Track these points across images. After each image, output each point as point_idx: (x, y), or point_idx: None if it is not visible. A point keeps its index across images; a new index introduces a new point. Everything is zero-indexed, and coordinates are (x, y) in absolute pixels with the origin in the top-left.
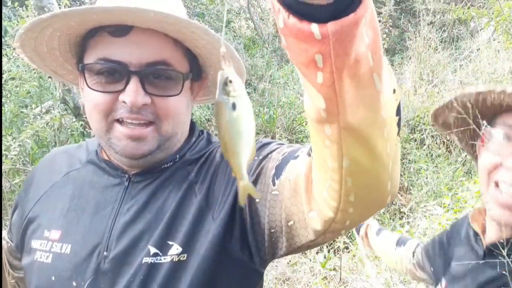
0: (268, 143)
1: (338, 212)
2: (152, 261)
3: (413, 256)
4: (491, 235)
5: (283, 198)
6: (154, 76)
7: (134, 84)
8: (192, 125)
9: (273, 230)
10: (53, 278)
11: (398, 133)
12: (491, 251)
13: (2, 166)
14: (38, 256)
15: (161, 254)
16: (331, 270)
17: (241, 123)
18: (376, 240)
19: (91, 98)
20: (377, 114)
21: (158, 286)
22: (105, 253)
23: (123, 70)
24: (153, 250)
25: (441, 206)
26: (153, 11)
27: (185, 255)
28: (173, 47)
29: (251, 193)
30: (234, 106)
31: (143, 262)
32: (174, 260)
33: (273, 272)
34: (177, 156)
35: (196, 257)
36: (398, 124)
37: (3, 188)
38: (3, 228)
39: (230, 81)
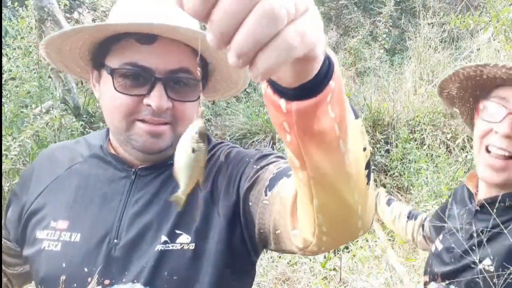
0: (268, 155)
1: (315, 237)
2: (163, 248)
3: (423, 229)
4: (482, 194)
5: (272, 209)
6: (175, 82)
7: (159, 90)
8: None
9: (262, 231)
10: (63, 264)
11: (368, 183)
12: (482, 208)
13: (2, 166)
14: (46, 245)
15: (170, 242)
16: (331, 270)
17: (194, 163)
18: (387, 210)
19: (115, 98)
20: (342, 170)
21: (168, 272)
22: (115, 240)
23: (148, 76)
24: (163, 238)
25: None
26: (184, 28)
27: (194, 244)
28: (191, 55)
29: (179, 202)
30: (193, 150)
31: (154, 249)
32: (184, 248)
33: (273, 272)
34: None
35: (204, 248)
36: (368, 176)
37: (3, 188)
38: (3, 228)
39: (197, 133)
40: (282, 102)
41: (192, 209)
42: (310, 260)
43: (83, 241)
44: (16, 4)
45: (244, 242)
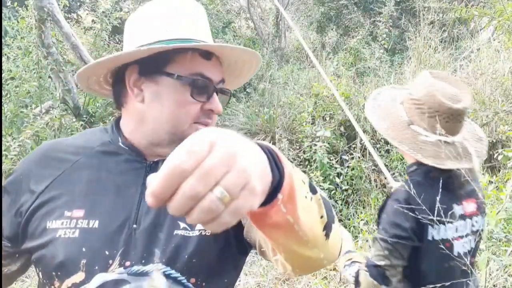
0: None
1: (290, 268)
2: (183, 233)
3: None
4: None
5: (258, 232)
6: (221, 92)
7: (216, 97)
8: None
9: (248, 239)
10: (83, 249)
11: (327, 238)
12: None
13: (2, 166)
14: (62, 233)
15: (189, 229)
16: (331, 270)
17: None
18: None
19: (185, 103)
20: (298, 240)
21: (188, 255)
22: (134, 226)
23: (210, 85)
24: (182, 225)
25: None
26: (231, 47)
27: (210, 231)
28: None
29: None
30: None
31: (174, 234)
32: (202, 234)
33: (273, 272)
34: None
35: (217, 235)
36: (326, 234)
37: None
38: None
39: None
40: None
41: None
42: None
43: (102, 226)
44: (16, 4)
45: (240, 233)
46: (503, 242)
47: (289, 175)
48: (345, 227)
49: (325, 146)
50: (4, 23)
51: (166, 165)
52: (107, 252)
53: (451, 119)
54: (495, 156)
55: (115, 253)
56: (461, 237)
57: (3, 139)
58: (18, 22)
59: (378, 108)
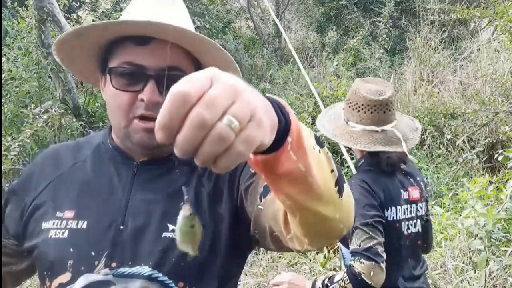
0: None
1: (307, 238)
2: (171, 235)
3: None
4: None
5: (267, 214)
6: (168, 80)
7: (151, 85)
8: None
9: (257, 231)
10: (71, 249)
11: (341, 196)
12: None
13: (2, 166)
14: (53, 233)
15: None
16: (331, 270)
17: (192, 230)
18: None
19: (114, 96)
20: (313, 195)
21: (176, 257)
22: (121, 227)
23: (142, 73)
24: (171, 227)
25: (441, 206)
26: (174, 27)
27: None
28: (184, 56)
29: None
30: (192, 226)
31: (162, 236)
32: None
33: (273, 272)
34: None
35: (210, 239)
36: (339, 191)
37: (3, 188)
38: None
39: (191, 214)
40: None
41: (196, 200)
42: (310, 260)
43: (90, 227)
44: (16, 4)
45: (239, 234)
46: (503, 242)
47: (296, 121)
48: None
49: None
50: (4, 23)
51: (168, 95)
52: (93, 253)
53: (376, 110)
54: (495, 157)
55: (101, 254)
56: (407, 219)
57: (3, 139)
58: (18, 22)
59: (327, 116)
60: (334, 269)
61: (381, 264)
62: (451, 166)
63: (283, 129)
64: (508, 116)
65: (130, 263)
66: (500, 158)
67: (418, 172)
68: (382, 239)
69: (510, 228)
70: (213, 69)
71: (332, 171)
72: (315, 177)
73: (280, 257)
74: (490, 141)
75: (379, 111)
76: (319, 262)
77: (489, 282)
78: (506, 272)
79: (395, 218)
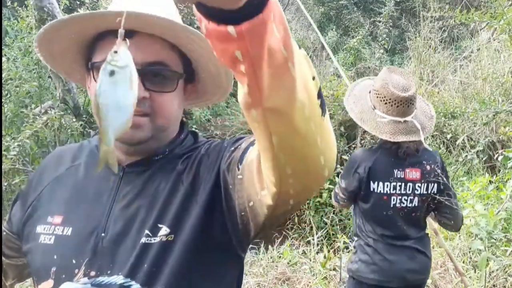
0: (242, 137)
1: (281, 183)
2: (144, 241)
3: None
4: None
5: (245, 180)
6: (153, 75)
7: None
8: (183, 124)
9: (243, 213)
10: (55, 256)
11: (323, 114)
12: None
13: (2, 166)
14: (42, 239)
15: (151, 235)
16: (331, 270)
17: (115, 90)
18: None
19: (94, 91)
20: (294, 96)
21: (148, 263)
22: (102, 234)
23: None
24: (146, 231)
25: None
26: (156, 16)
27: (172, 235)
28: (170, 50)
29: (110, 161)
30: (112, 73)
31: (138, 242)
32: (163, 240)
33: (273, 272)
34: (167, 150)
35: (182, 237)
36: (321, 106)
37: (2, 188)
38: (7, 220)
39: (115, 52)
40: (230, 28)
41: (173, 202)
42: (310, 260)
43: (74, 234)
44: (16, 4)
45: (225, 232)
46: (503, 242)
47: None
48: (345, 227)
49: None
50: (4, 23)
51: None
52: (74, 261)
53: (401, 104)
54: (495, 157)
55: (81, 262)
56: (400, 194)
57: (3, 139)
58: (18, 22)
59: (353, 96)
60: (334, 269)
61: (341, 202)
62: (451, 166)
63: None
64: (508, 115)
65: (109, 271)
66: (500, 159)
67: (432, 157)
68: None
69: (510, 228)
70: None
71: (313, 78)
72: (297, 73)
73: (280, 257)
74: (490, 141)
75: (403, 105)
76: (319, 262)
77: (489, 282)
78: (506, 272)
79: (382, 192)
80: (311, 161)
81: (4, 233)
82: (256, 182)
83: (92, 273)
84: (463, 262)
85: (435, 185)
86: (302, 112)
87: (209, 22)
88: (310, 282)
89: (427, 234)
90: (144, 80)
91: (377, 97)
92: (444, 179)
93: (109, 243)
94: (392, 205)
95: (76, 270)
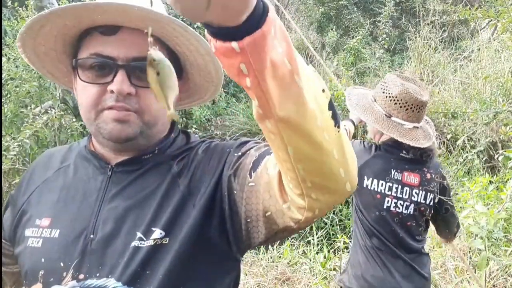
0: (246, 142)
1: (305, 198)
2: (136, 244)
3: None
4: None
5: (259, 189)
6: (139, 70)
7: (120, 76)
8: (173, 123)
9: (249, 220)
10: (42, 260)
11: (337, 125)
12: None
13: (2, 166)
14: (30, 242)
15: (145, 238)
16: (331, 270)
17: (164, 82)
18: None
19: (83, 90)
20: (304, 106)
21: (140, 266)
22: (91, 236)
23: (111, 64)
24: (138, 235)
25: None
26: (137, 7)
27: (167, 238)
28: (157, 45)
29: (174, 118)
30: (158, 74)
31: (130, 245)
32: (157, 243)
33: (273, 272)
34: (156, 148)
35: (176, 240)
36: (334, 117)
37: (2, 188)
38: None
39: (154, 60)
40: (234, 43)
41: (168, 204)
42: (310, 260)
43: (62, 236)
44: (16, 4)
45: (223, 236)
46: (503, 242)
47: (275, 13)
48: (345, 227)
49: None
50: (4, 23)
51: None
52: (62, 264)
53: (419, 109)
54: (495, 157)
55: (70, 265)
56: (396, 197)
57: (3, 139)
58: (18, 22)
59: (356, 106)
60: (334, 269)
61: None
62: (451, 166)
63: (262, 8)
64: (508, 116)
65: (98, 274)
66: (500, 159)
67: (434, 167)
68: None
69: (510, 228)
70: None
71: (323, 91)
72: (304, 85)
73: (280, 257)
74: (491, 141)
75: (420, 111)
76: (319, 262)
77: (489, 282)
78: (506, 272)
79: (376, 189)
80: (330, 173)
81: None
82: (278, 196)
83: (81, 276)
84: (463, 262)
85: (434, 196)
86: (315, 122)
87: (216, 40)
88: (310, 282)
89: (428, 254)
90: (130, 76)
91: (396, 103)
92: (447, 193)
93: (98, 245)
94: (385, 206)
95: (64, 273)
